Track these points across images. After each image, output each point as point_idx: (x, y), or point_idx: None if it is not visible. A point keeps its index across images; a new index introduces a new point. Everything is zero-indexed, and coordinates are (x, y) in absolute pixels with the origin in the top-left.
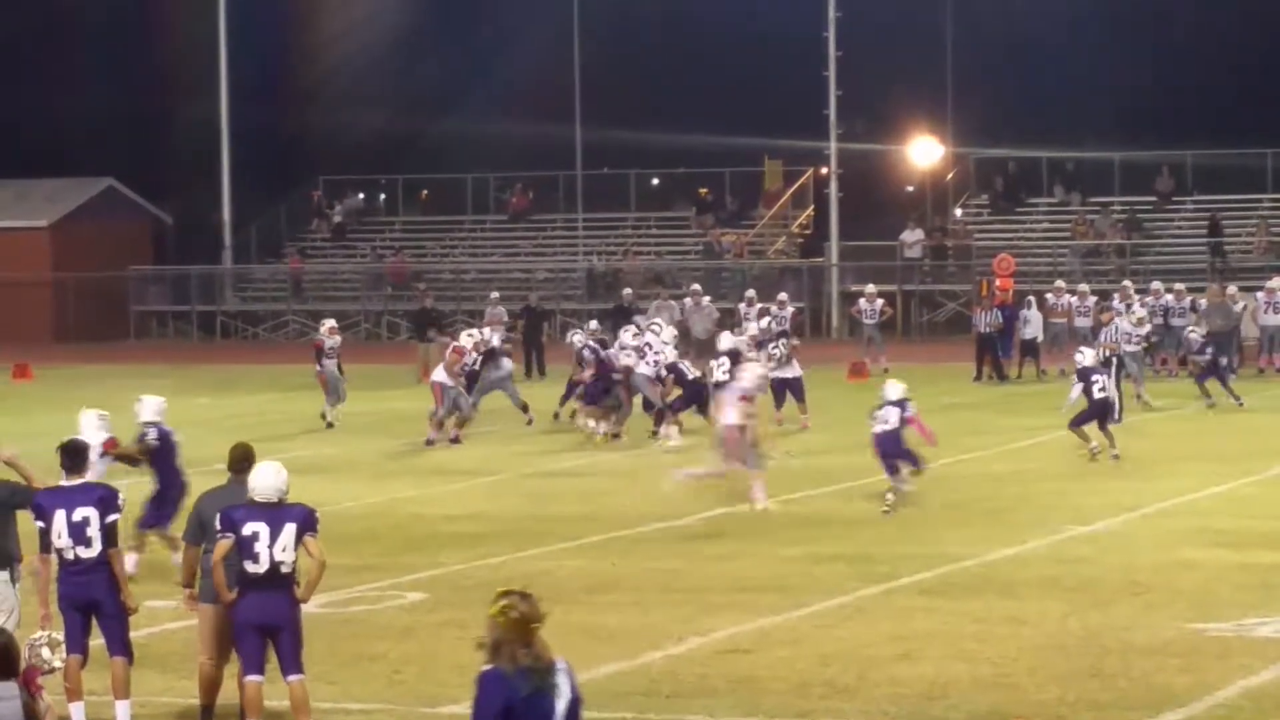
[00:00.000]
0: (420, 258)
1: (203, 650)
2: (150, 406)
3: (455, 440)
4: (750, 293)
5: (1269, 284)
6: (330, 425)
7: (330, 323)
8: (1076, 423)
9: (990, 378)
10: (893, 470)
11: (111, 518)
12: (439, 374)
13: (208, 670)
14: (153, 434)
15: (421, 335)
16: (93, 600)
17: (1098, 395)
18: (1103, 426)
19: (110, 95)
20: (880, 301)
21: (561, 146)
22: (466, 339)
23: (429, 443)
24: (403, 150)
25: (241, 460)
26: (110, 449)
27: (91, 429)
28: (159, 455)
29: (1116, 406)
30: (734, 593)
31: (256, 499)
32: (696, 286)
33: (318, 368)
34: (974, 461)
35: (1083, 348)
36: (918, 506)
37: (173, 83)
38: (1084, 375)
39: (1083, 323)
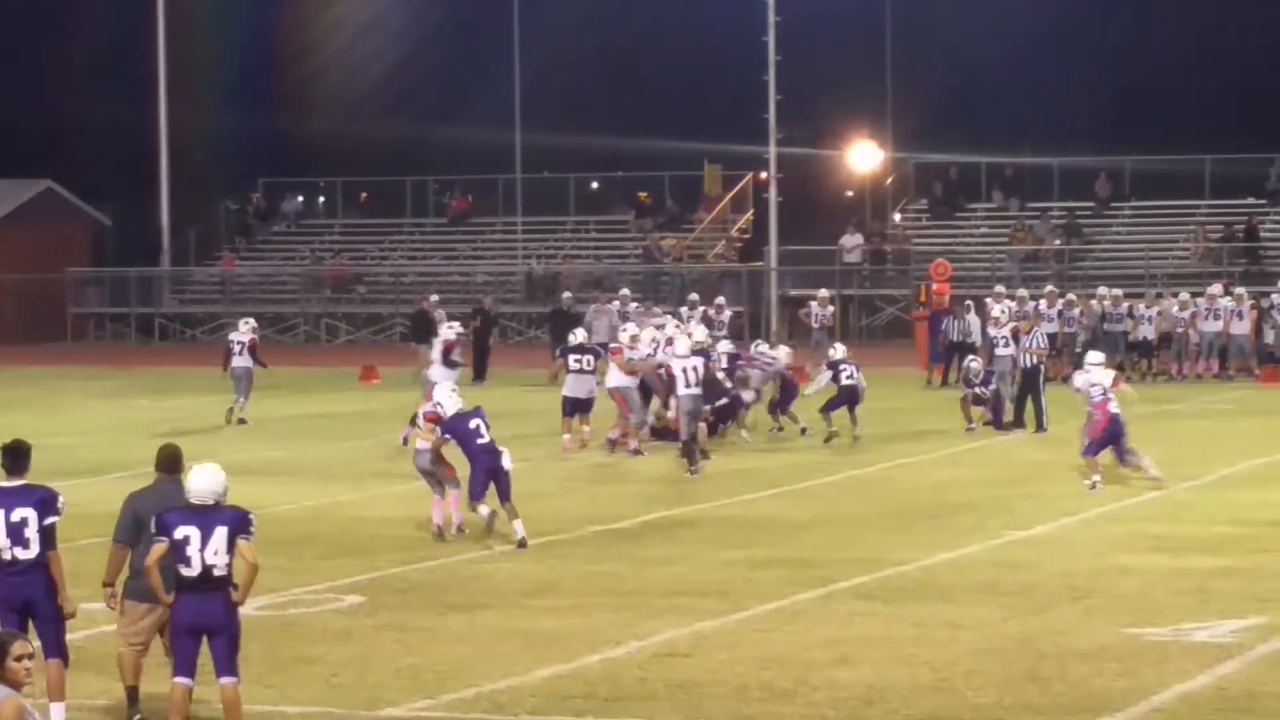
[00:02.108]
0: (359, 260)
1: (122, 641)
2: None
3: (636, 451)
4: (693, 296)
5: (1209, 290)
6: (244, 422)
7: (252, 321)
8: (827, 408)
9: (938, 383)
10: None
11: (50, 520)
12: (615, 378)
13: (127, 655)
14: (443, 435)
15: (420, 337)
16: (29, 602)
17: (845, 382)
18: (851, 411)
19: (48, 97)
20: (831, 308)
21: (501, 150)
22: (624, 336)
23: (635, 452)
24: (342, 153)
25: (168, 461)
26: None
27: (445, 393)
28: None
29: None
30: (673, 596)
31: (193, 501)
32: (626, 291)
33: (259, 365)
34: (914, 466)
35: (836, 344)
36: (855, 510)
37: (111, 85)
38: (833, 365)
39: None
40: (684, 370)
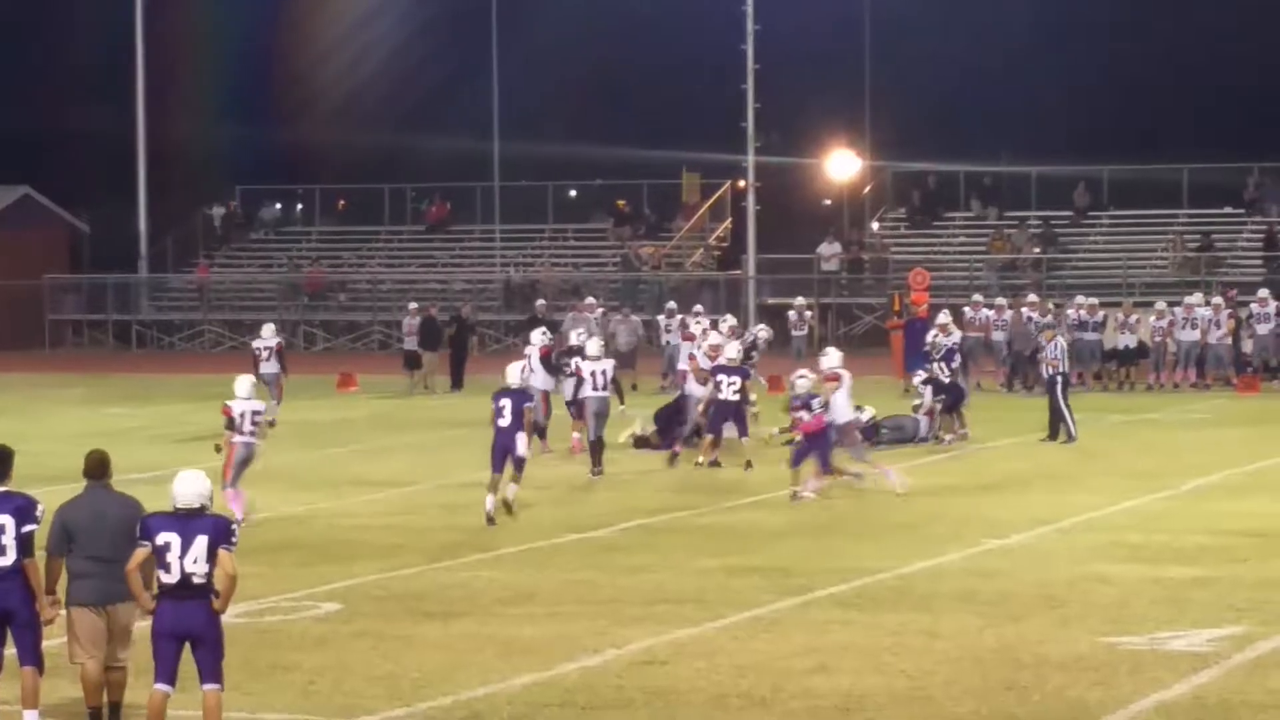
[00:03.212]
0: (337, 267)
1: (78, 653)
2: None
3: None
4: (670, 304)
5: (1186, 300)
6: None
7: (271, 326)
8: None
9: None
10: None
11: (28, 527)
12: (691, 387)
13: (89, 670)
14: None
15: (429, 345)
16: (6, 609)
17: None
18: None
19: (26, 103)
20: (809, 314)
21: (479, 158)
22: (704, 345)
23: (713, 464)
24: (320, 161)
25: (97, 466)
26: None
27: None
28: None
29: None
30: (650, 604)
31: (178, 505)
32: (591, 299)
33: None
34: None
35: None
36: (834, 518)
37: (90, 91)
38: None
39: (999, 336)
40: (592, 374)
